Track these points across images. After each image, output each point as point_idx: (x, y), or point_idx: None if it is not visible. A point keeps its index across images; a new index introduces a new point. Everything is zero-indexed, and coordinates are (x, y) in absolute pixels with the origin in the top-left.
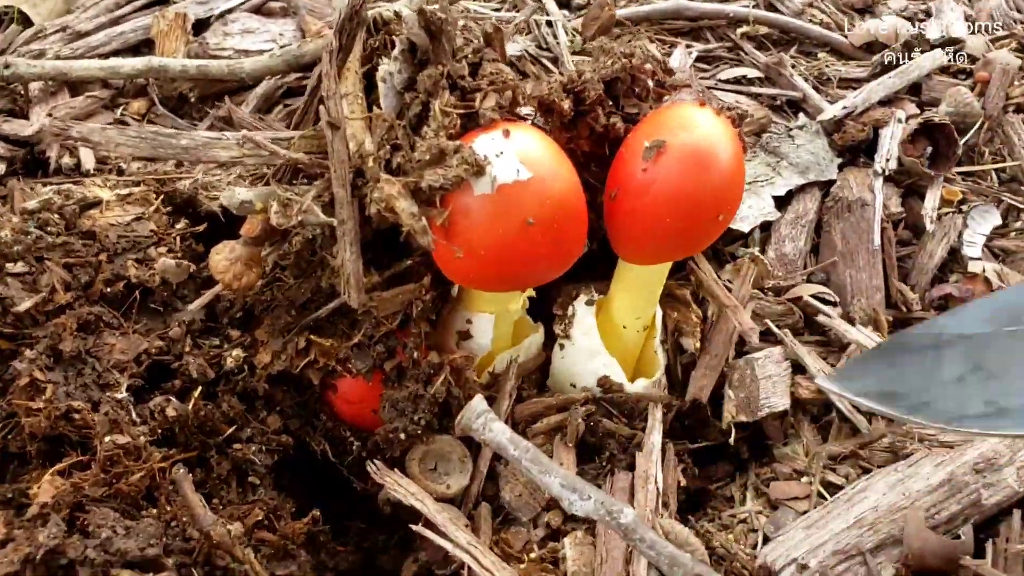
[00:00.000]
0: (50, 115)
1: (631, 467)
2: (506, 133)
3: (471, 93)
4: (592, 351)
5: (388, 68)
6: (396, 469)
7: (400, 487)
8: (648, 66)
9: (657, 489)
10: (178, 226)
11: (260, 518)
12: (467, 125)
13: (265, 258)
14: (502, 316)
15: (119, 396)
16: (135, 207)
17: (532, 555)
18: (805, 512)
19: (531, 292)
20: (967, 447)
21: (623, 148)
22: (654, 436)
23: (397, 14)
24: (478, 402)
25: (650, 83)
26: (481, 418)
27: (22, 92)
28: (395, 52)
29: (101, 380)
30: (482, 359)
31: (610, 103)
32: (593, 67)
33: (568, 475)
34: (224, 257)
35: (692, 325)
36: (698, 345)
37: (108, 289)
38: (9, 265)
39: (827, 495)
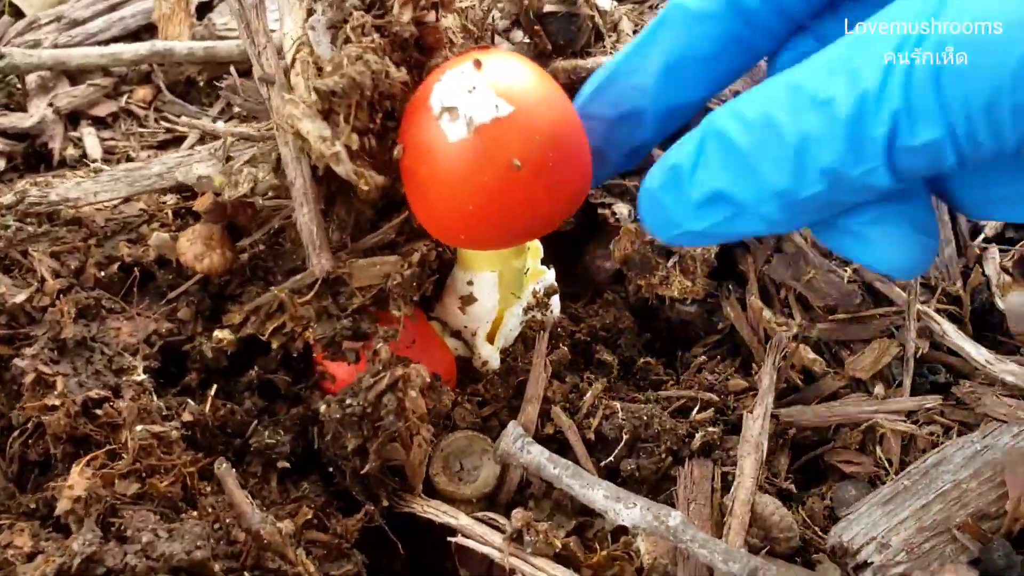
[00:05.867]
0: (51, 104)
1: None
2: (477, 64)
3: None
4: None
5: (317, 13)
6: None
7: (429, 508)
8: None
9: (761, 457)
10: (169, 201)
11: (309, 517)
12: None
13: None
14: (507, 273)
15: (138, 378)
16: None
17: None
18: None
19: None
20: None
21: None
22: (768, 399)
23: None
24: (513, 427)
25: None
26: (518, 442)
27: (18, 85)
28: None
29: (114, 365)
30: (493, 323)
31: None
32: None
33: (611, 486)
34: (186, 238)
35: None
36: None
37: (102, 273)
38: None
39: (887, 467)
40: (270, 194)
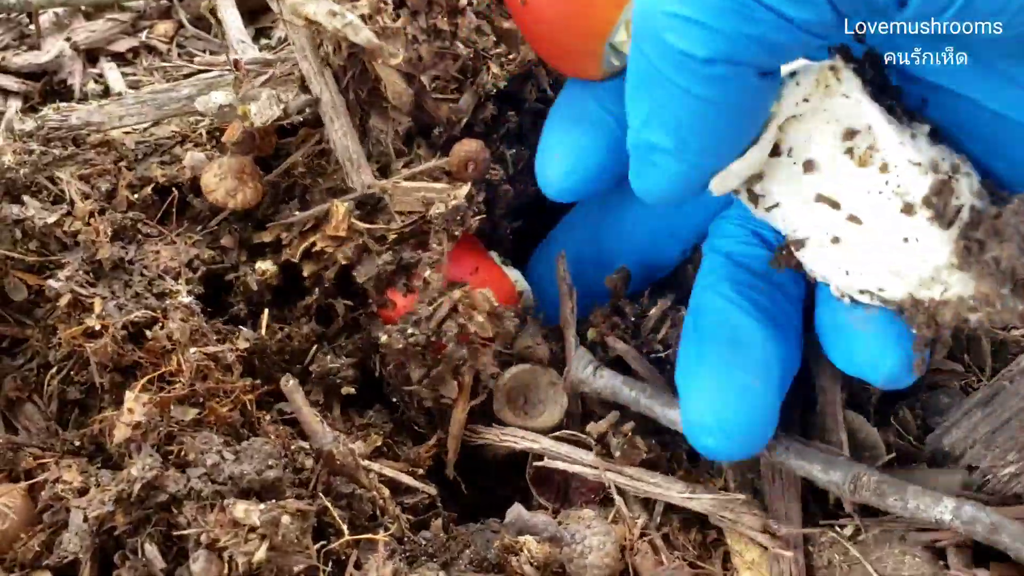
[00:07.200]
0: (68, 39)
1: None
2: None
3: None
4: None
5: None
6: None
7: (507, 436)
8: None
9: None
10: (203, 122)
11: (379, 444)
12: None
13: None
14: None
15: (184, 300)
16: None
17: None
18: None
19: None
20: None
21: None
22: None
23: None
24: (582, 353)
25: None
26: (588, 367)
27: (30, 25)
28: None
29: (155, 288)
30: None
31: None
32: None
33: None
34: (213, 174)
35: None
36: None
37: (135, 196)
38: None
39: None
40: (307, 111)
